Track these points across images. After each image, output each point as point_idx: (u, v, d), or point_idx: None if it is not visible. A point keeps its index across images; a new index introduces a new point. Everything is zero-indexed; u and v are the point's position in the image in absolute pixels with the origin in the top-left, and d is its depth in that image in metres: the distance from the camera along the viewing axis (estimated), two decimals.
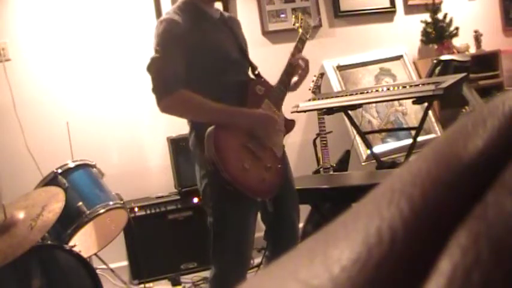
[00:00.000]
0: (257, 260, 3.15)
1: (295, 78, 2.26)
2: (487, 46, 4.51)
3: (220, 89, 2.03)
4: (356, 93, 3.19)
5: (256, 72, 2.21)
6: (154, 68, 1.97)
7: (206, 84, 2.01)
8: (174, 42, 1.96)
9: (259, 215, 2.19)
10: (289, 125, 2.25)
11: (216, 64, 2.04)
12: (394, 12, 4.32)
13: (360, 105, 3.30)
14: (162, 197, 3.39)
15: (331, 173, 3.46)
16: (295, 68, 2.21)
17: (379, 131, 3.94)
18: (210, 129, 1.96)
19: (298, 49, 2.25)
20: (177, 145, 3.33)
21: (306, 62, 2.24)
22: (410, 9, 4.39)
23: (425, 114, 3.24)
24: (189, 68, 1.97)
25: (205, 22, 2.08)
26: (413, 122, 4.00)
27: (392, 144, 3.94)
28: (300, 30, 2.31)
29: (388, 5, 4.30)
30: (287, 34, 3.60)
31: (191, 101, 1.97)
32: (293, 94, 2.32)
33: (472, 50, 4.48)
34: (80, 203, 2.56)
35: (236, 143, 2.00)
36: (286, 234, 2.18)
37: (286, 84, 2.18)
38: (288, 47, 2.26)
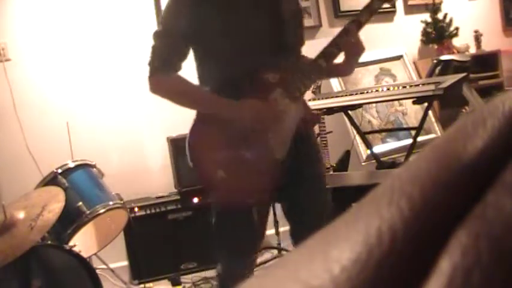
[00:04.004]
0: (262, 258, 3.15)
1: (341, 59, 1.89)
2: (487, 46, 4.51)
3: (227, 74, 1.81)
4: (356, 93, 3.19)
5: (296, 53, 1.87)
6: (153, 42, 1.84)
7: (212, 66, 1.83)
8: (177, 18, 1.79)
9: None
10: (310, 119, 1.93)
11: (224, 46, 1.79)
12: (394, 12, 4.32)
13: (360, 105, 3.30)
14: (162, 197, 3.39)
15: (331, 173, 3.46)
16: (340, 50, 1.83)
17: (379, 131, 3.94)
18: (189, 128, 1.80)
19: (358, 23, 1.84)
20: (177, 145, 3.33)
21: (358, 42, 1.84)
22: (410, 9, 4.39)
23: (425, 114, 3.24)
24: (193, 48, 1.82)
25: None
26: (413, 122, 4.00)
27: (392, 144, 3.94)
28: None
29: (388, 5, 4.29)
30: None
31: (173, 86, 1.82)
32: None
33: (472, 50, 4.48)
34: (80, 203, 2.57)
35: (216, 142, 1.80)
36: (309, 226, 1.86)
37: (317, 70, 1.83)
38: None
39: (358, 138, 3.70)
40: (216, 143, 1.81)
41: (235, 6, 1.79)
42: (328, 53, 1.83)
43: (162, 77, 1.82)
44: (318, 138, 3.58)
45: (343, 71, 1.98)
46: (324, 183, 2.00)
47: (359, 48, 1.86)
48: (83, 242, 2.65)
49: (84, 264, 2.34)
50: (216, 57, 1.82)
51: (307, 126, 1.92)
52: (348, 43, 1.82)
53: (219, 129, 1.80)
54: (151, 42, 1.84)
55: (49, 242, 2.40)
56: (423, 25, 4.27)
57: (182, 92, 1.84)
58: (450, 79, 2.93)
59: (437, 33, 4.22)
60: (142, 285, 3.17)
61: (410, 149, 3.14)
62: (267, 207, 2.01)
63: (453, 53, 4.14)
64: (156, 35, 1.84)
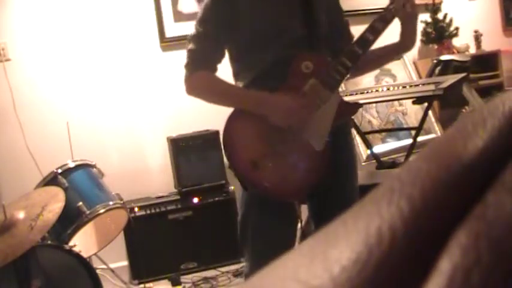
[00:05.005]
0: None
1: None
2: (487, 46, 4.51)
3: (261, 65, 1.82)
4: (356, 93, 3.19)
5: (337, 48, 1.88)
6: (190, 45, 1.85)
7: (246, 60, 1.85)
8: (215, 20, 1.81)
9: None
10: (347, 109, 1.92)
11: (258, 36, 1.81)
12: None
13: (360, 105, 3.30)
14: (162, 197, 3.39)
15: None
16: (387, 21, 1.79)
17: (379, 131, 3.94)
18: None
19: None
20: (177, 145, 3.33)
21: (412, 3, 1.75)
22: None
23: (425, 114, 3.24)
24: (231, 43, 1.85)
25: None
26: (413, 122, 4.00)
27: (392, 144, 3.94)
28: None
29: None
30: None
31: (210, 86, 1.85)
32: None
33: (472, 50, 4.48)
34: (80, 203, 2.57)
35: (251, 134, 1.79)
36: None
37: (352, 57, 1.80)
38: None
39: (358, 138, 3.70)
40: (253, 135, 1.79)
41: (268, 2, 1.83)
42: (363, 39, 1.82)
43: (201, 78, 1.85)
44: None
45: (402, 46, 1.93)
46: (356, 184, 1.96)
47: (414, 8, 1.81)
48: (83, 242, 2.65)
49: (84, 264, 2.34)
50: (252, 52, 1.83)
51: (344, 117, 1.91)
52: (399, 6, 1.77)
53: (257, 121, 1.78)
54: (188, 46, 1.85)
55: (49, 242, 2.40)
56: (423, 25, 4.26)
57: (219, 91, 1.86)
58: (450, 79, 2.93)
59: (437, 33, 4.22)
60: (142, 285, 3.17)
61: (410, 149, 3.14)
62: (300, 204, 1.96)
63: (453, 53, 4.14)
64: (194, 38, 1.85)
